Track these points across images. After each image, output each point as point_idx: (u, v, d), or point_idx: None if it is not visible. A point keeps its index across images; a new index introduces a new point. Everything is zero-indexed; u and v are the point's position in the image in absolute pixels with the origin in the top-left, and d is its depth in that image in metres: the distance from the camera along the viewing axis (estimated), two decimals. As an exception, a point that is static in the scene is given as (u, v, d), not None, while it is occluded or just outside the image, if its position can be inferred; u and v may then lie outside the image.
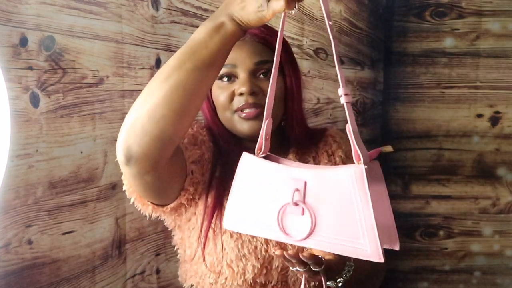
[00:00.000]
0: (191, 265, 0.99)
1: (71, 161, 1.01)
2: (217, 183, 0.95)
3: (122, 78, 1.12)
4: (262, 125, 0.79)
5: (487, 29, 2.25)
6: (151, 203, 0.92)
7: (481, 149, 2.29)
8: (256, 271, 0.92)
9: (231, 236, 0.93)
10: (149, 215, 0.95)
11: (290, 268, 0.80)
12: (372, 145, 2.42)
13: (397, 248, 0.71)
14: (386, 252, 0.68)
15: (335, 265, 0.83)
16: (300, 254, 0.75)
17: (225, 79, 0.95)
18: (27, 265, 0.94)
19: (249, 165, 0.78)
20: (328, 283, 0.83)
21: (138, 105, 0.78)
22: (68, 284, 1.03)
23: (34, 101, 0.93)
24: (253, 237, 0.93)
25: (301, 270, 0.78)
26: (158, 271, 1.27)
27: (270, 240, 0.94)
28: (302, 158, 1.01)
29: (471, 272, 2.30)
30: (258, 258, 0.93)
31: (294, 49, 1.01)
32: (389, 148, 0.74)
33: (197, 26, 1.31)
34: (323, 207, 0.70)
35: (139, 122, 0.77)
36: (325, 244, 0.70)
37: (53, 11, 0.95)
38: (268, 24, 1.01)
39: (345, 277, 0.84)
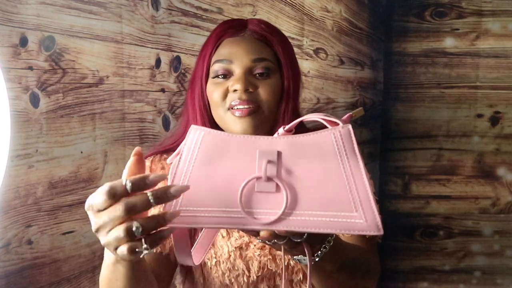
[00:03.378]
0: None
1: (71, 161, 1.01)
2: None
3: (122, 78, 1.12)
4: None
5: (487, 29, 2.25)
6: None
7: (481, 149, 2.29)
8: None
9: (211, 268, 0.91)
10: None
11: (267, 243, 0.66)
12: (372, 145, 2.42)
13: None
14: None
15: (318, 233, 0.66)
16: (276, 230, 0.59)
17: (220, 76, 0.92)
18: (27, 265, 0.94)
19: (199, 139, 0.62)
20: (301, 257, 0.69)
21: None
22: (68, 284, 1.03)
23: (34, 101, 0.93)
24: (233, 266, 0.90)
25: (280, 242, 0.63)
26: (158, 271, 1.27)
27: (252, 264, 0.90)
28: None
29: (471, 272, 2.30)
30: (242, 286, 0.90)
31: (294, 49, 1.00)
32: (360, 112, 0.63)
33: (197, 26, 1.31)
34: (303, 179, 0.58)
35: None
36: (308, 223, 0.57)
37: (53, 11, 0.95)
38: (269, 22, 1.01)
39: (325, 249, 0.70)
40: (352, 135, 0.59)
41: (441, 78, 2.31)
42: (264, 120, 0.91)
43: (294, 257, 0.69)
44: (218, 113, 0.92)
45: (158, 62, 1.20)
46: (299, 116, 1.04)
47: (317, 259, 0.69)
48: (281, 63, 0.94)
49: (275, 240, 0.62)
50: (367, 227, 0.56)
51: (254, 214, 0.58)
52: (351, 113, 0.62)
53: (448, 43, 2.29)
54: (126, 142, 1.14)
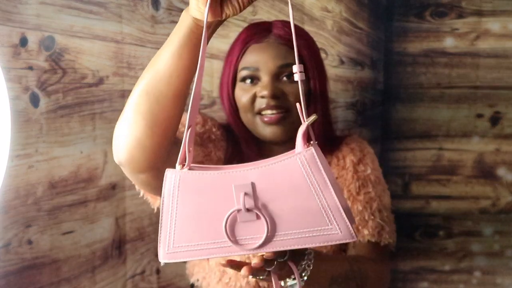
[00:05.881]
0: (199, 260, 1.00)
1: (71, 161, 1.01)
2: None
3: (122, 78, 1.12)
4: (184, 135, 0.68)
5: (487, 29, 2.25)
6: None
7: (481, 149, 2.29)
8: None
9: None
10: (156, 209, 0.96)
11: (259, 278, 0.73)
12: (372, 145, 2.42)
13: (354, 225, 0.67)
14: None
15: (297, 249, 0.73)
16: (264, 255, 0.69)
17: (248, 81, 0.95)
18: (27, 265, 0.94)
19: (177, 182, 0.67)
20: (290, 281, 0.76)
21: (123, 112, 0.78)
22: (68, 284, 1.03)
23: (34, 101, 0.93)
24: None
25: (270, 269, 0.71)
26: (158, 271, 1.27)
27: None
28: None
29: (471, 272, 2.30)
30: None
31: (319, 50, 1.00)
32: (312, 117, 0.70)
33: (197, 26, 1.31)
34: (279, 204, 0.65)
35: (120, 129, 0.77)
36: (291, 242, 0.65)
37: (53, 11, 0.95)
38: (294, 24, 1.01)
39: (309, 267, 0.77)
40: (316, 156, 0.65)
41: (441, 78, 2.31)
42: (293, 125, 0.94)
43: (287, 283, 0.76)
44: (247, 117, 0.97)
45: (158, 62, 1.20)
46: (330, 117, 1.05)
47: (305, 278, 0.76)
48: (307, 66, 0.96)
49: (267, 270, 0.70)
50: (342, 236, 0.64)
51: (240, 242, 0.65)
52: (307, 122, 0.69)
53: (448, 43, 2.29)
54: (126, 142, 1.14)
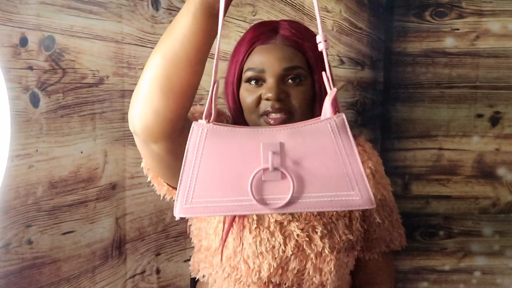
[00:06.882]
0: (206, 256, 0.99)
1: (71, 161, 1.01)
2: None
3: (122, 78, 1.12)
4: (210, 90, 0.67)
5: (487, 29, 2.25)
6: (167, 184, 0.91)
7: (481, 149, 2.28)
8: (271, 270, 0.93)
9: (250, 231, 0.93)
10: (163, 196, 0.95)
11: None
12: (372, 145, 2.42)
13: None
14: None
15: None
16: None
17: (253, 82, 0.94)
18: (27, 265, 0.94)
19: (204, 135, 0.66)
20: None
21: (140, 78, 0.77)
22: (68, 284, 1.03)
23: (34, 101, 0.93)
24: (272, 235, 0.93)
25: None
26: (158, 271, 1.27)
27: (289, 241, 0.93)
28: None
29: (471, 272, 2.29)
30: (275, 258, 0.92)
31: None
32: (339, 84, 0.72)
33: (197, 26, 1.31)
34: (306, 166, 0.65)
35: (137, 95, 0.76)
36: (313, 204, 0.64)
37: (53, 11, 0.95)
38: (301, 23, 1.01)
39: None
40: (346, 123, 0.66)
41: (441, 78, 2.31)
42: None
43: None
44: (252, 118, 0.96)
45: (158, 62, 1.20)
46: None
47: None
48: (313, 68, 0.95)
49: None
50: (363, 202, 0.65)
51: (264, 201, 0.64)
52: (335, 89, 0.69)
53: (448, 43, 2.28)
54: (126, 142, 1.14)
